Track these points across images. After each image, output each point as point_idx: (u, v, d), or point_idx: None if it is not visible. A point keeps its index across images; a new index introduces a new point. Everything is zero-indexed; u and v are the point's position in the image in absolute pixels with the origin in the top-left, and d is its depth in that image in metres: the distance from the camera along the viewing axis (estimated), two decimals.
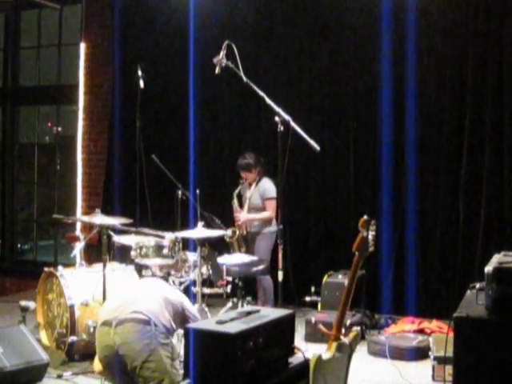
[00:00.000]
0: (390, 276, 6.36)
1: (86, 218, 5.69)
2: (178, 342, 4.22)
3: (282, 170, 4.72)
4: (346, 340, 3.32)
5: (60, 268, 5.25)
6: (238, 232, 6.31)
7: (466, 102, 6.18)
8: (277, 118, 4.69)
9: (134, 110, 6.71)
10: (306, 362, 3.14)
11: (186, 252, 5.28)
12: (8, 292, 8.22)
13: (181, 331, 4.16)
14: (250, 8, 7.12)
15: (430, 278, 6.31)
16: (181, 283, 5.20)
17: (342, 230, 6.63)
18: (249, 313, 3.24)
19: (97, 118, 8.27)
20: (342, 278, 6.04)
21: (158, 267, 4.92)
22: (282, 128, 4.68)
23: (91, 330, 4.84)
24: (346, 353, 3.34)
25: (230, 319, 3.09)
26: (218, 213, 6.23)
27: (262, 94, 4.82)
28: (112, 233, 5.42)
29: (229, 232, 6.09)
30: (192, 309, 4.25)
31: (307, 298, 6.43)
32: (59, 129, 9.07)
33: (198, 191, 5.72)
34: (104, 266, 4.73)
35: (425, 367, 4.80)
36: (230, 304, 5.66)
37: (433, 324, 5.65)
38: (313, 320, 5.51)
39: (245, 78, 4.90)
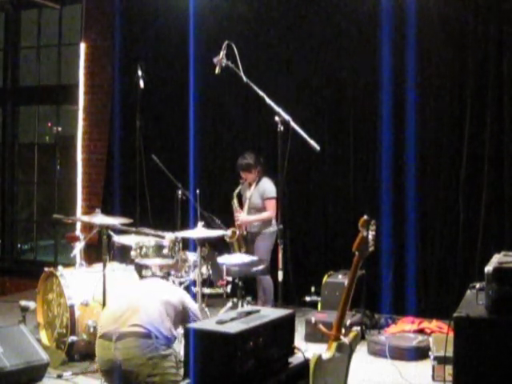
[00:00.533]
0: (389, 276, 6.37)
1: (85, 218, 5.69)
2: (178, 343, 4.22)
3: (282, 170, 4.72)
4: (345, 340, 3.32)
5: (60, 268, 5.25)
6: (238, 232, 6.31)
7: (466, 102, 6.18)
8: (277, 118, 4.69)
9: (134, 109, 6.71)
10: (306, 362, 3.14)
11: (186, 252, 5.28)
12: (8, 292, 8.22)
13: (181, 331, 4.16)
14: (249, 8, 7.12)
15: (430, 278, 6.31)
16: (181, 283, 5.20)
17: (342, 230, 6.63)
18: (249, 313, 3.23)
19: (97, 118, 8.27)
20: (342, 278, 6.04)
21: (158, 267, 4.91)
22: (281, 128, 4.68)
23: (91, 329, 4.84)
24: (346, 353, 3.34)
25: (230, 319, 3.09)
26: (218, 213, 6.23)
27: (262, 93, 4.82)
28: (112, 233, 5.42)
29: (229, 232, 6.08)
30: (193, 307, 4.25)
31: (307, 298, 6.43)
32: (59, 129, 9.06)
33: (198, 191, 5.72)
34: (104, 266, 4.73)
35: (425, 367, 4.80)
36: (229, 304, 5.66)
37: (433, 324, 5.65)
38: (313, 320, 5.50)
39: (245, 78, 4.90)
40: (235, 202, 6.43)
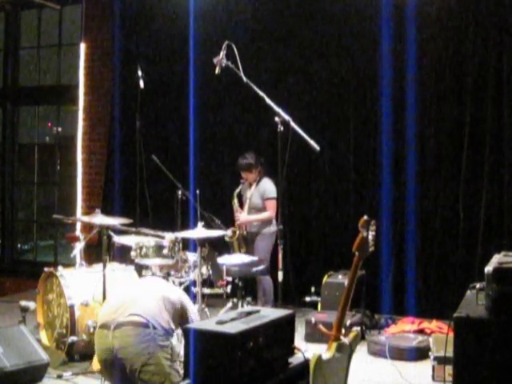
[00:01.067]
0: (390, 276, 6.36)
1: (85, 218, 5.69)
2: (177, 342, 4.21)
3: (282, 170, 4.72)
4: (345, 340, 3.32)
5: (60, 268, 5.25)
6: (238, 232, 6.31)
7: (466, 102, 6.18)
8: (277, 118, 4.69)
9: (134, 110, 6.71)
10: (306, 362, 3.14)
11: (186, 252, 5.28)
12: (8, 292, 8.21)
13: (180, 331, 4.16)
14: (250, 8, 7.12)
15: (430, 278, 6.30)
16: (181, 283, 5.20)
17: (342, 230, 6.63)
18: (249, 313, 3.24)
19: (97, 118, 8.27)
20: (341, 278, 6.04)
21: (158, 267, 4.92)
22: (281, 128, 4.68)
23: (91, 330, 4.84)
24: (346, 353, 3.34)
25: (230, 319, 3.09)
26: (218, 213, 6.23)
27: (262, 94, 4.83)
28: (112, 233, 5.42)
29: (229, 232, 6.09)
30: (191, 308, 4.25)
31: (307, 298, 6.43)
32: (59, 129, 9.07)
33: (197, 191, 5.72)
34: (104, 266, 4.73)
35: (425, 367, 4.79)
36: (229, 304, 5.66)
37: (433, 324, 5.65)
38: (313, 320, 5.50)
39: (245, 78, 4.90)
40: (235, 201, 6.44)
